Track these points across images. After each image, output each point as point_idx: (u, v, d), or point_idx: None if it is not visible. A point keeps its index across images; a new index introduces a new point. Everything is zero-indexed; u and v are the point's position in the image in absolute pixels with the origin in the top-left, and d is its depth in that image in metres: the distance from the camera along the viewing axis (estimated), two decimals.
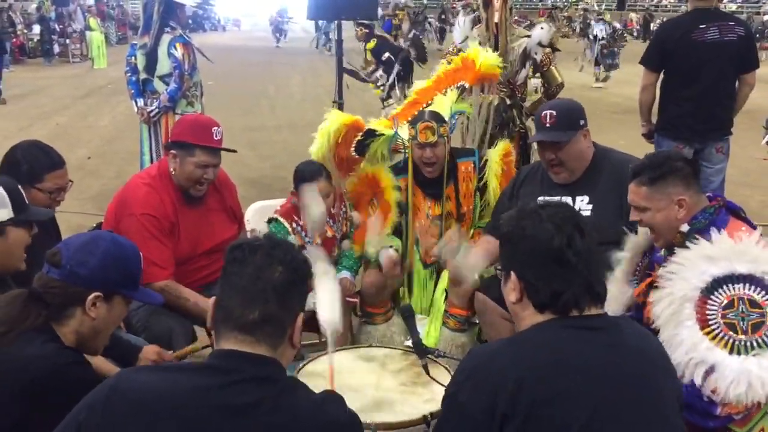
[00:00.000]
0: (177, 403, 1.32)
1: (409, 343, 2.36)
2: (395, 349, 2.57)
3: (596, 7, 17.24)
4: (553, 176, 2.85)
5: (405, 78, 8.17)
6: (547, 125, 2.78)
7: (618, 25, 16.44)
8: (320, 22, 18.83)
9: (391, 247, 3.15)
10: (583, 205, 2.80)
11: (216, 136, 2.87)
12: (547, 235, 1.52)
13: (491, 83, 3.69)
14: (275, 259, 1.42)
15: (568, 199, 2.80)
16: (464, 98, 3.51)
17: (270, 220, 3.08)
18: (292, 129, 9.79)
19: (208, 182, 2.91)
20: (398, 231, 3.28)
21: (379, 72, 8.14)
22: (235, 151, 3.02)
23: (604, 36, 14.84)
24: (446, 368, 2.29)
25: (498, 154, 3.25)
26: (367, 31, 8.53)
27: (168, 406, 1.32)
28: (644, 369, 1.50)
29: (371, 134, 3.24)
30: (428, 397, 2.18)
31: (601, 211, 2.74)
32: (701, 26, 4.22)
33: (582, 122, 2.82)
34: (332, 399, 1.45)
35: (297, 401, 1.37)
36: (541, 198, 2.79)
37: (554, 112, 2.80)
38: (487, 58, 3.49)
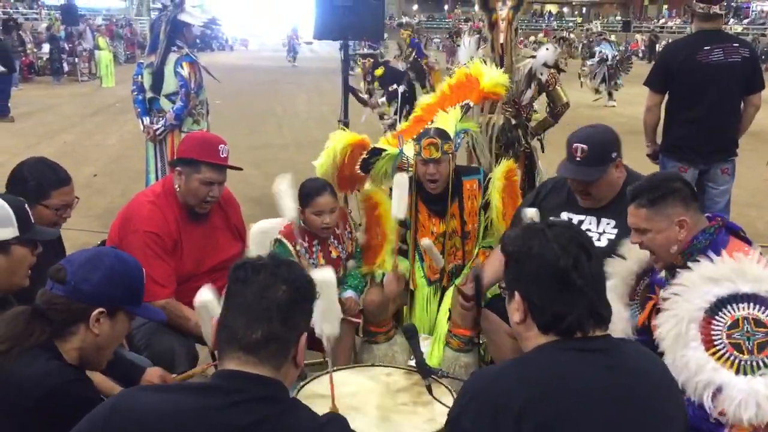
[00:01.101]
0: (179, 422, 1.32)
1: (412, 362, 2.34)
2: (398, 368, 2.55)
3: (599, 28, 17.25)
4: (580, 201, 2.83)
5: (410, 101, 8.12)
6: (578, 159, 2.69)
7: (622, 47, 16.40)
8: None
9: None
10: (608, 228, 2.76)
11: (222, 154, 2.87)
12: (553, 256, 1.50)
13: (495, 103, 3.69)
14: (279, 278, 1.41)
15: (593, 219, 2.78)
16: (469, 117, 3.52)
17: (275, 241, 3.08)
18: (298, 147, 9.82)
19: (213, 200, 2.91)
20: (402, 249, 3.28)
21: (382, 99, 8.05)
22: (240, 169, 3.03)
23: (614, 56, 14.87)
24: (448, 389, 2.27)
25: (501, 172, 3.25)
26: (372, 60, 8.46)
27: (171, 426, 1.31)
28: (648, 390, 1.49)
29: (376, 152, 3.25)
30: (428, 417, 2.17)
31: (625, 235, 2.68)
32: (705, 48, 4.23)
33: (614, 155, 2.72)
34: (334, 420, 1.44)
35: (299, 422, 1.36)
36: (564, 214, 2.78)
37: (585, 147, 2.67)
38: (492, 78, 3.49)
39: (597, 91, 15.09)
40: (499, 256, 2.88)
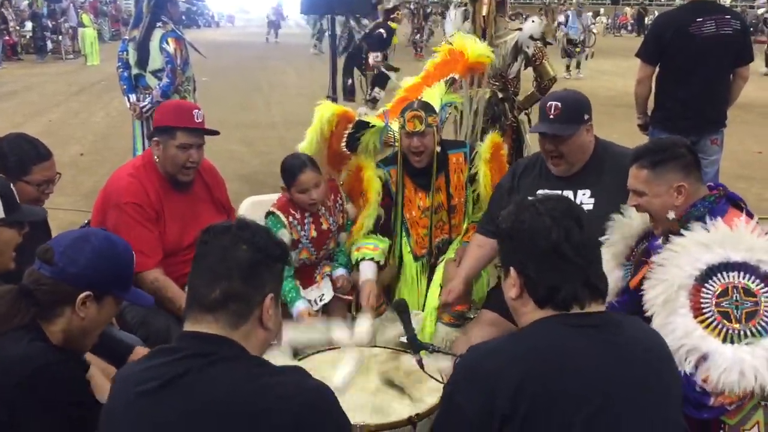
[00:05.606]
0: (123, 384, 1.42)
1: (404, 338, 2.34)
2: (386, 348, 2.54)
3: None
4: (552, 168, 2.82)
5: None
6: (551, 117, 2.71)
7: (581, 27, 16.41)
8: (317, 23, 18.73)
9: (372, 259, 3.13)
10: (584, 198, 2.76)
11: (197, 119, 2.86)
12: (544, 228, 1.50)
13: (481, 75, 3.67)
14: (241, 239, 1.44)
15: (569, 193, 2.76)
16: (454, 90, 3.50)
17: (267, 214, 3.07)
18: (286, 125, 9.76)
19: (194, 166, 2.89)
20: (386, 225, 3.26)
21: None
22: (217, 133, 3.01)
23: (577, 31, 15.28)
24: (433, 377, 2.27)
25: (487, 146, 3.23)
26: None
27: (120, 387, 1.42)
28: (646, 367, 1.48)
29: (362, 126, 3.22)
30: (416, 398, 2.16)
31: (603, 204, 2.69)
32: (698, 19, 4.20)
33: (587, 116, 2.75)
34: (284, 372, 1.41)
35: (228, 374, 1.36)
36: (541, 191, 2.74)
37: (560, 104, 2.71)
38: (475, 48, 3.47)
39: (569, 67, 15.82)
40: (475, 246, 2.90)
